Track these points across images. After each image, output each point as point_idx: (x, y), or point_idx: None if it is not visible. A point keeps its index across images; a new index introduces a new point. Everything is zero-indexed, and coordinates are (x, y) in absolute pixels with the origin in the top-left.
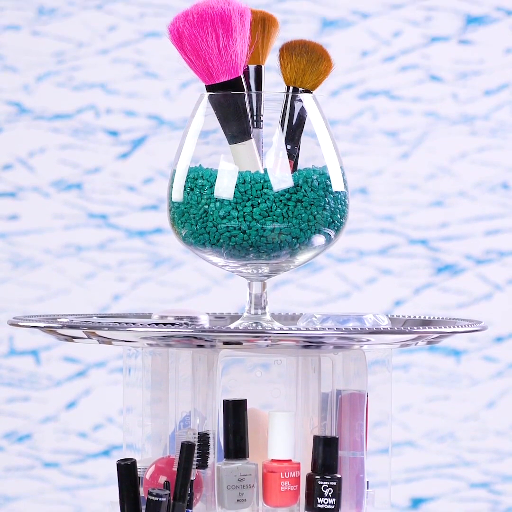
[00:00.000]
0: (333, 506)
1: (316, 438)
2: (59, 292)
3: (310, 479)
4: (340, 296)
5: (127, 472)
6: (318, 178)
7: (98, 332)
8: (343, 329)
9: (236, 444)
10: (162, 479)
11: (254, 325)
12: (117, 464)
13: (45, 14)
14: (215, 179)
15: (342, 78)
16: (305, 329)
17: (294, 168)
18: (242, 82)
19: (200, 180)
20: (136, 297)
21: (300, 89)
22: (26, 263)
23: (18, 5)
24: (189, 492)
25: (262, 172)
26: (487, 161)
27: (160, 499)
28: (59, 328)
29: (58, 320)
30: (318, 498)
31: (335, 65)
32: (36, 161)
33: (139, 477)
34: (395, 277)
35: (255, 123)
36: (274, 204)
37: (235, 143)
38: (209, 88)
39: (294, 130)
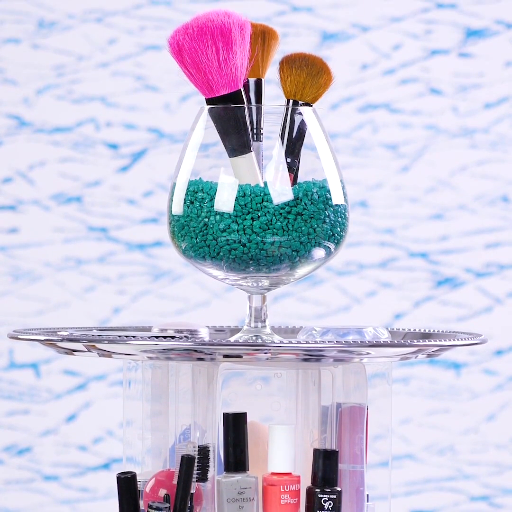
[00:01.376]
0: None
1: (316, 451)
2: (59, 305)
3: (310, 492)
4: (340, 309)
5: (127, 485)
6: (318, 191)
7: (98, 345)
8: (343, 342)
9: (236, 457)
10: (162, 492)
11: (254, 338)
12: (117, 477)
13: (45, 27)
14: (215, 192)
15: (342, 91)
16: (305, 342)
17: (294, 181)
18: (242, 95)
19: (200, 193)
20: (136, 310)
21: (300, 102)
22: (26, 276)
23: (18, 19)
24: (189, 505)
25: (262, 185)
26: (487, 174)
27: None
28: (59, 341)
29: (58, 333)
30: (318, 511)
31: (335, 78)
32: (36, 174)
33: (139, 490)
34: (395, 290)
35: (255, 136)
36: (274, 217)
37: (235, 156)
38: (209, 101)
39: (294, 143)
